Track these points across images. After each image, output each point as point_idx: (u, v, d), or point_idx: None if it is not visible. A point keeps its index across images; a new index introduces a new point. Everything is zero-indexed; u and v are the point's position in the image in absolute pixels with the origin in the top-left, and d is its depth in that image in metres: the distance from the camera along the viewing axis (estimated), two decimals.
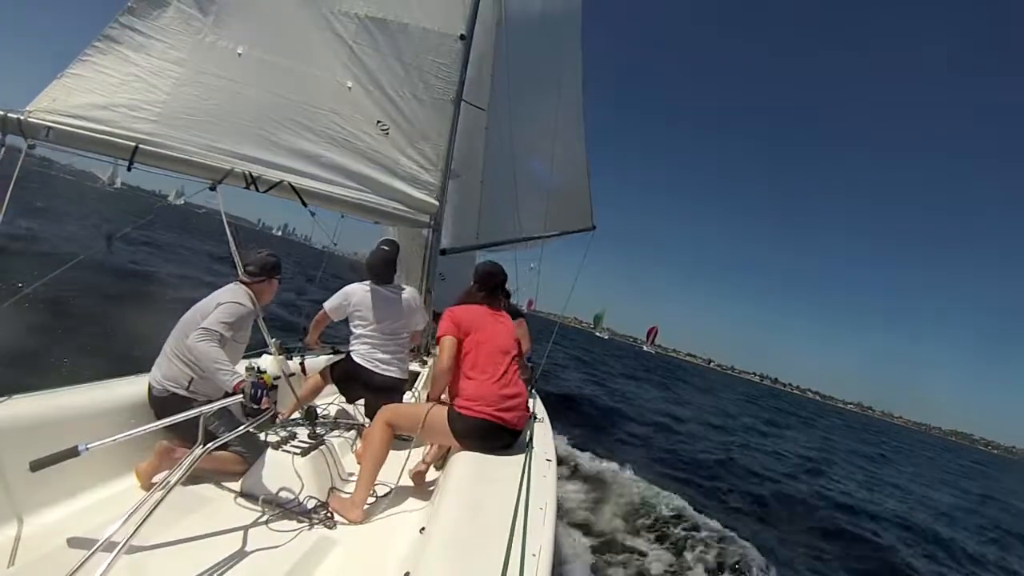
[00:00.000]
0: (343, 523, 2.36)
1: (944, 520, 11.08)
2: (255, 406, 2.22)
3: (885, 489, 13.19)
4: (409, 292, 3.58)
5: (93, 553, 1.48)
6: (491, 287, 2.91)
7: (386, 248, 3.54)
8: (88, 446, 1.64)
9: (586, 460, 7.18)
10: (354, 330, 3.48)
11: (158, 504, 1.67)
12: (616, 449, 8.45)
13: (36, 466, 1.61)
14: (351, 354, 3.46)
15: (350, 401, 3.66)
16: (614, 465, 7.14)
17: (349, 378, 3.47)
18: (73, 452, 1.63)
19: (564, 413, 8.81)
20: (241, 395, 2.22)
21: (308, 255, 24.77)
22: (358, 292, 3.45)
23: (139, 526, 1.59)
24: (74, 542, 1.87)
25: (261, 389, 2.25)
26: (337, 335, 4.37)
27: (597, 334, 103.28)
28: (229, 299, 2.68)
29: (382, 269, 3.49)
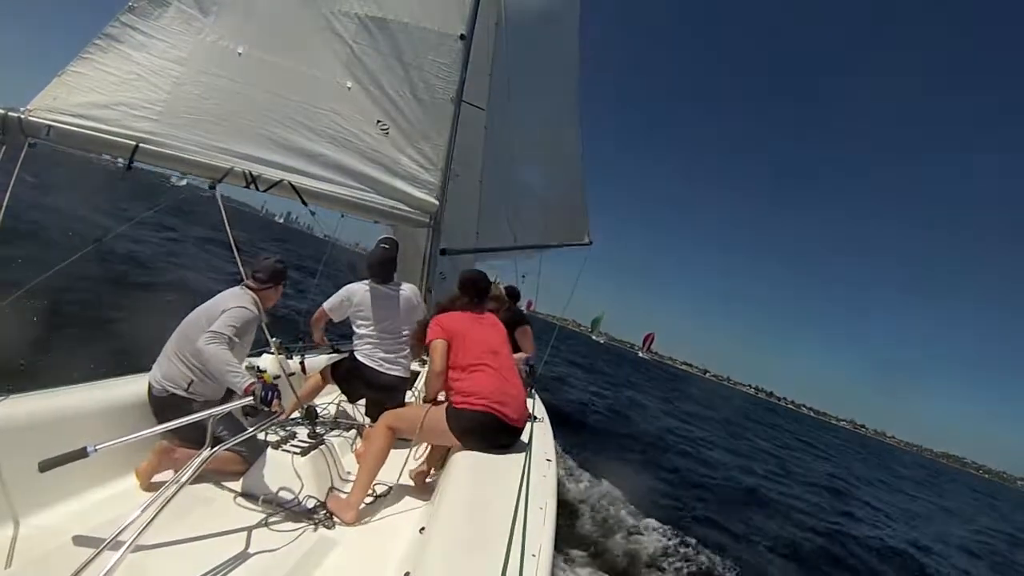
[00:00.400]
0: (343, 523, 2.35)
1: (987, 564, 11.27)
2: (266, 408, 2.23)
3: (915, 527, 12.96)
4: (409, 289, 3.56)
5: (98, 553, 1.47)
6: (473, 294, 3.00)
7: (386, 247, 3.52)
8: (97, 447, 1.63)
9: (595, 495, 6.15)
10: (356, 330, 3.46)
11: (164, 506, 1.66)
12: (629, 480, 7.22)
13: (45, 467, 1.60)
14: (355, 353, 3.44)
15: (352, 400, 3.65)
16: (650, 522, 5.81)
17: (353, 377, 3.45)
18: (82, 453, 1.62)
19: (568, 432, 8.21)
20: (251, 397, 2.22)
21: (309, 243, 24.46)
22: (359, 292, 3.44)
23: (144, 528, 1.58)
24: (75, 542, 1.86)
25: (271, 391, 2.26)
26: (337, 335, 4.34)
27: (594, 338, 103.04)
28: (236, 304, 2.68)
29: (381, 268, 3.48)
